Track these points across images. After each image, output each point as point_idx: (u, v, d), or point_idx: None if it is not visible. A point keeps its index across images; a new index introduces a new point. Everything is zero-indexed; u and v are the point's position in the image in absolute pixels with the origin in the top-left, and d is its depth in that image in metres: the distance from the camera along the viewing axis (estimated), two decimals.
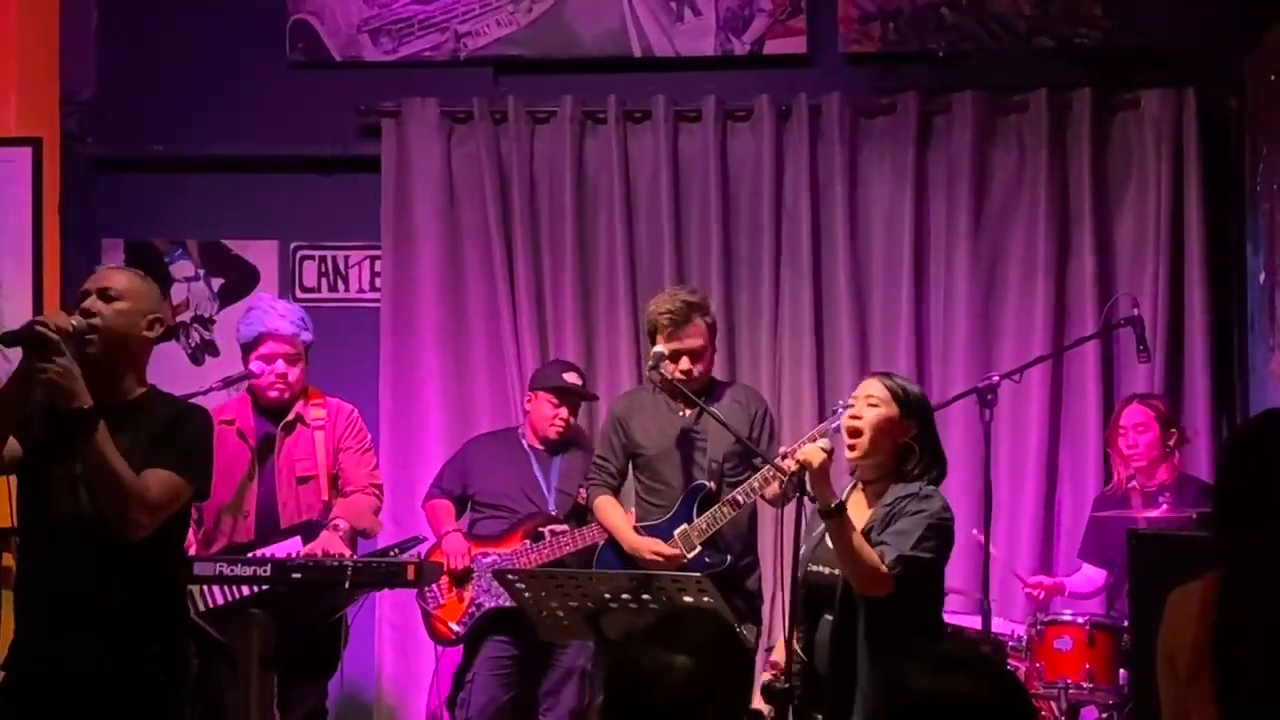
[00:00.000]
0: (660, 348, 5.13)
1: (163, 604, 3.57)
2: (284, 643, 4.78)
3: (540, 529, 5.51)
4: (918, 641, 3.65)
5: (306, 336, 5.25)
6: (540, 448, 5.72)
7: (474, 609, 5.53)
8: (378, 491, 5.29)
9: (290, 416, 5.22)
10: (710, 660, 2.38)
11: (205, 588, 4.80)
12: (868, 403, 3.95)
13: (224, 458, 5.08)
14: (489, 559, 5.51)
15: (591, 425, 6.21)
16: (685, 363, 5.10)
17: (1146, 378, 6.10)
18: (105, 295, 3.57)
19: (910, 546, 3.80)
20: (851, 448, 3.96)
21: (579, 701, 5.58)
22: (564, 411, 5.66)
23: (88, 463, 3.39)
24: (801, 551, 3.98)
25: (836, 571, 3.88)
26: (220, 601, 4.86)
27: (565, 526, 5.50)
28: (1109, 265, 6.29)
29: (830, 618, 3.89)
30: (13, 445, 3.52)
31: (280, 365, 5.18)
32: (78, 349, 3.49)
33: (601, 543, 5.35)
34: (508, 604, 5.29)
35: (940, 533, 3.88)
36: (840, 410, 4.38)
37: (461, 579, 5.53)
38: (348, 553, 4.90)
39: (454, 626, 5.54)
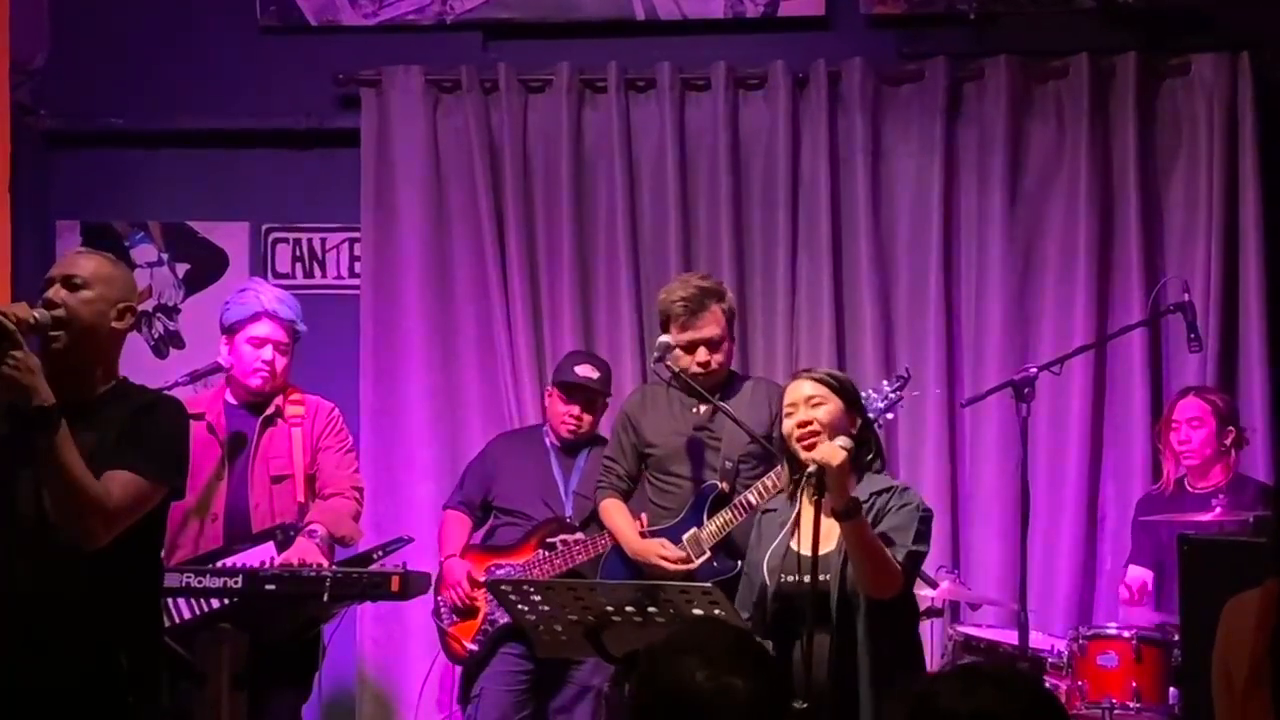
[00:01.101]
0: (666, 338, 5.13)
1: (134, 616, 3.56)
2: (257, 659, 4.78)
3: (550, 538, 5.52)
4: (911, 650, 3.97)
5: (302, 328, 5.27)
6: (561, 447, 5.73)
7: (488, 625, 5.54)
8: (358, 495, 5.29)
9: (269, 410, 5.22)
10: (763, 681, 2.36)
11: (170, 601, 4.79)
12: (811, 404, 4.05)
13: (192, 455, 5.07)
14: (503, 570, 5.52)
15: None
16: (702, 353, 5.10)
17: (1198, 369, 6.09)
18: (70, 283, 3.57)
19: (912, 542, 3.96)
20: (810, 449, 4.01)
21: None
22: (575, 409, 5.65)
23: (43, 465, 3.38)
24: (766, 560, 4.05)
25: (822, 578, 3.90)
26: (187, 616, 4.85)
27: (579, 534, 5.51)
28: (1156, 246, 6.29)
29: (811, 631, 3.90)
30: None
31: (269, 352, 5.18)
32: (42, 343, 3.49)
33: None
34: None
35: (928, 526, 4.05)
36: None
37: (466, 612, 5.55)
38: (325, 562, 4.89)
39: (468, 645, 5.56)
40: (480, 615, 5.57)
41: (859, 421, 4.09)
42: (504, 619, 5.47)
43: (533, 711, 5.57)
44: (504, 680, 5.54)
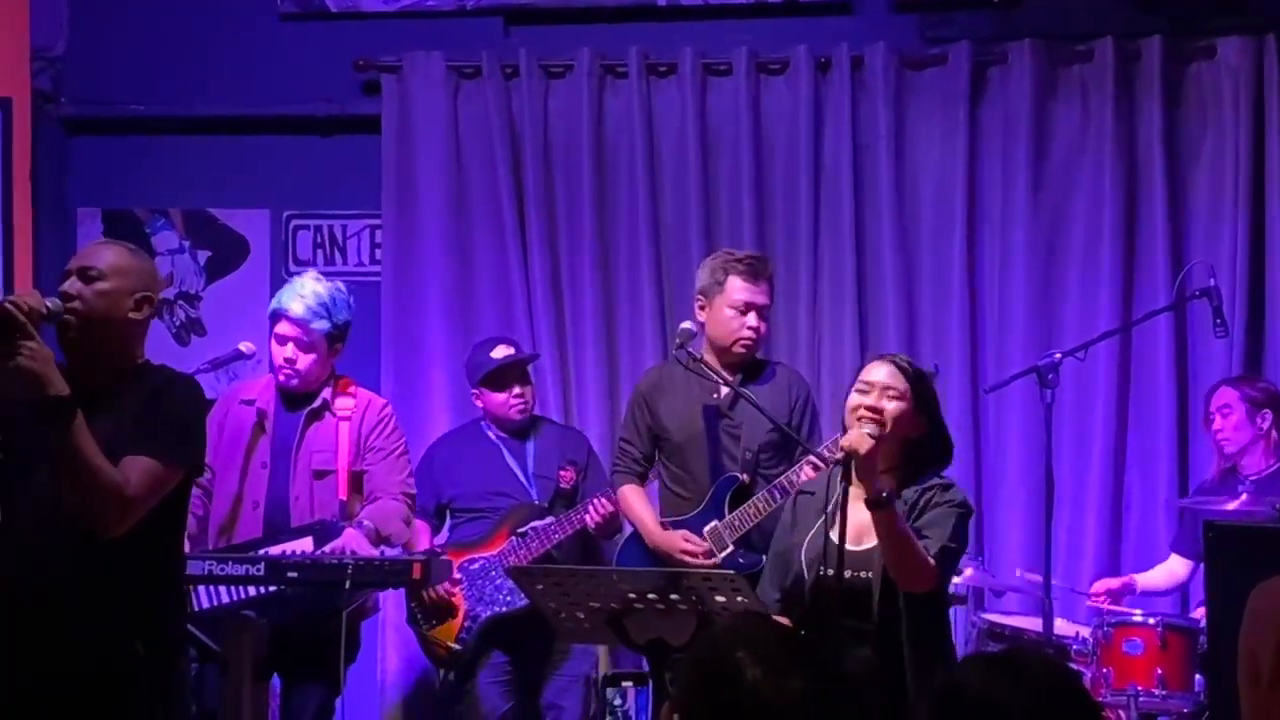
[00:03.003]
0: (689, 324, 5.11)
1: (151, 602, 3.58)
2: (287, 650, 4.82)
3: (521, 527, 5.53)
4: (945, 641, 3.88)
5: (321, 325, 5.18)
6: (507, 435, 5.73)
7: (470, 622, 5.55)
8: (409, 501, 5.30)
9: (316, 404, 5.23)
10: (820, 682, 2.34)
11: (205, 588, 4.85)
12: (887, 395, 3.95)
13: (237, 441, 5.13)
14: (476, 565, 5.54)
15: (584, 401, 6.20)
16: (753, 318, 5.07)
17: (1224, 354, 6.08)
18: (86, 275, 3.58)
19: (947, 537, 3.90)
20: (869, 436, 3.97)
21: (584, 711, 5.61)
22: (514, 389, 5.66)
23: (58, 456, 3.39)
24: (801, 553, 3.98)
25: (864, 575, 3.89)
26: (224, 601, 4.90)
27: (549, 519, 5.52)
28: (1182, 231, 6.27)
29: (854, 624, 3.89)
30: None
31: (290, 349, 5.19)
32: (58, 332, 3.51)
33: (601, 530, 5.38)
34: (504, 611, 5.34)
35: (965, 525, 4.00)
36: None
37: (444, 612, 5.55)
38: (372, 551, 4.92)
39: (453, 645, 5.56)
40: (459, 614, 5.57)
41: (925, 429, 3.98)
42: (486, 613, 5.50)
43: (518, 703, 5.59)
44: (491, 674, 5.57)
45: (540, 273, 6.43)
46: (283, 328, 5.20)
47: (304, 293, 5.22)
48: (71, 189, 6.77)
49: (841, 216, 6.34)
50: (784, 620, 4.04)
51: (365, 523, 5.05)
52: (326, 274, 6.52)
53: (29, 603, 3.52)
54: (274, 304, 5.26)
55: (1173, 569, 5.84)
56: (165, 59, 6.68)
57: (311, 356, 5.20)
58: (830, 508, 3.93)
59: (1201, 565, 5.71)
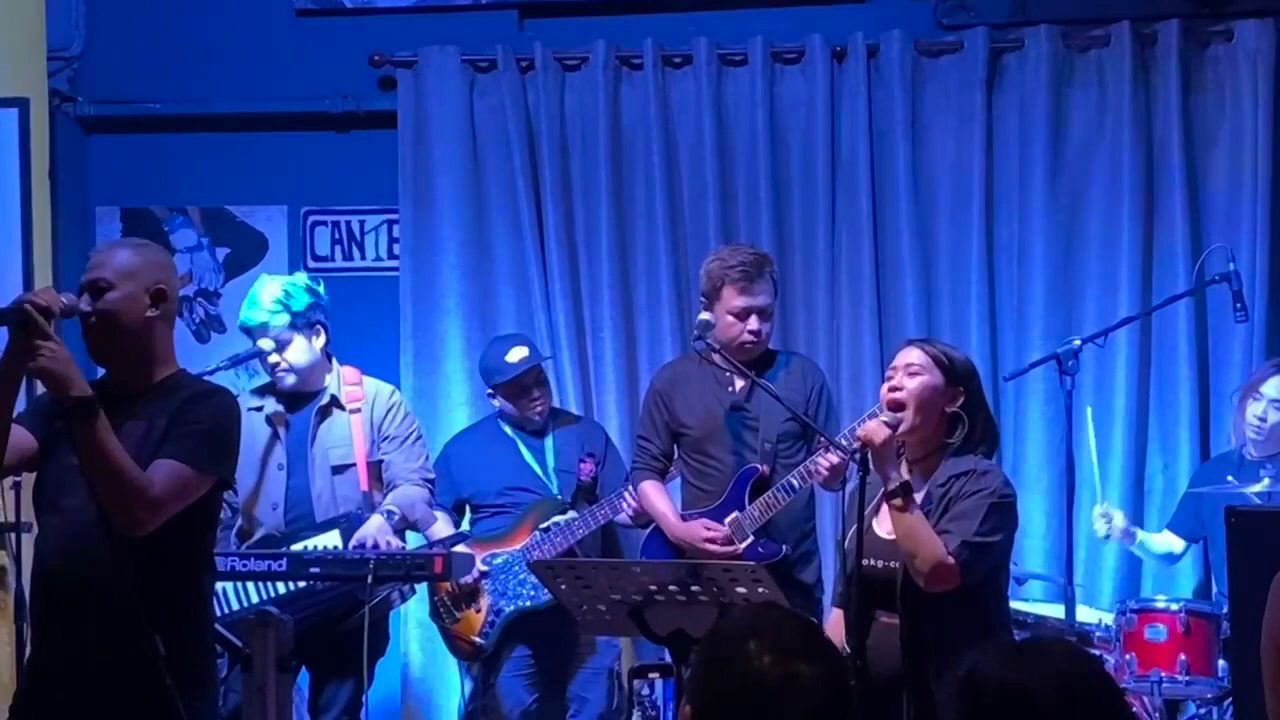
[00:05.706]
0: (707, 316, 5.08)
1: (176, 601, 3.59)
2: (315, 641, 4.84)
3: (544, 521, 5.53)
4: (991, 636, 3.75)
5: (280, 321, 5.21)
6: (524, 431, 5.73)
7: (494, 616, 5.57)
8: (430, 485, 5.33)
9: (324, 401, 5.25)
10: (830, 668, 2.33)
11: (238, 588, 4.89)
12: (908, 372, 3.95)
13: (252, 446, 5.15)
14: (499, 560, 5.55)
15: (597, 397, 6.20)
16: (754, 321, 5.04)
17: (1245, 340, 6.06)
18: (95, 288, 3.60)
19: (974, 531, 3.82)
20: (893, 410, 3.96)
21: (608, 703, 5.63)
22: (534, 394, 5.68)
23: (83, 455, 3.42)
24: (846, 542, 3.98)
25: (893, 565, 3.88)
26: (254, 601, 4.93)
27: (573, 513, 5.52)
28: (1201, 216, 6.24)
29: (884, 617, 3.89)
30: (29, 442, 3.57)
31: (274, 355, 5.24)
32: (87, 343, 3.56)
33: (628, 522, 5.37)
34: (528, 605, 5.36)
35: (1004, 512, 3.89)
36: None
37: (470, 595, 5.57)
38: (396, 542, 4.94)
39: (477, 640, 5.58)
40: (484, 607, 5.58)
41: (961, 399, 3.95)
42: (510, 608, 5.52)
43: (543, 696, 5.61)
44: (515, 668, 5.59)
45: (558, 265, 6.43)
46: (260, 341, 5.25)
47: (259, 299, 5.27)
48: (90, 188, 6.80)
49: (859, 205, 6.33)
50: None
51: (393, 510, 5.08)
52: (346, 269, 6.62)
53: (57, 596, 3.57)
54: (238, 322, 5.31)
55: (1170, 541, 5.82)
56: (182, 57, 6.69)
57: (292, 351, 5.23)
58: (877, 498, 3.95)
59: (1193, 545, 5.74)
